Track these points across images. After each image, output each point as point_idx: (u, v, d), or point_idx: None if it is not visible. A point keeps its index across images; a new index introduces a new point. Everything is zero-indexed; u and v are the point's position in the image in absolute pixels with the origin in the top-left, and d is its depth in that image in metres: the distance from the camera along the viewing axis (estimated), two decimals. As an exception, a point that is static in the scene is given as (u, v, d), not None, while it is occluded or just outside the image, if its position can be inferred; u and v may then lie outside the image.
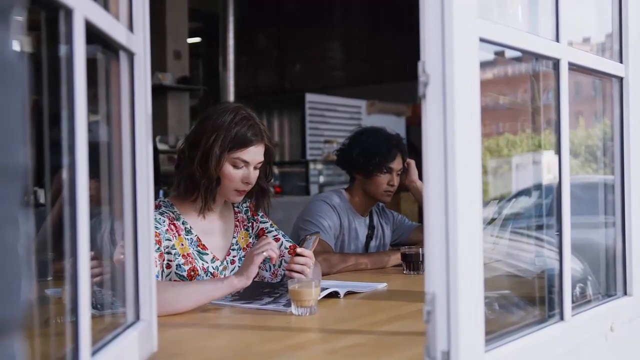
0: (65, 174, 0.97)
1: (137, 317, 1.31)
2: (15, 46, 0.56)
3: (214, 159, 2.05)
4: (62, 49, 0.97)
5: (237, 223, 2.27)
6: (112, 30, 1.16)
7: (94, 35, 1.06)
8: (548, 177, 1.78)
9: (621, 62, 1.73)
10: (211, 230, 2.18)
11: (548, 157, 1.74)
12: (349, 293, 2.10)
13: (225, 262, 2.17)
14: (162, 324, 1.47)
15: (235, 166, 2.08)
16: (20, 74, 0.54)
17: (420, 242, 2.91)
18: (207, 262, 2.11)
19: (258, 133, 2.09)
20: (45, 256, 1.57)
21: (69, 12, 0.95)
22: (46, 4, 0.93)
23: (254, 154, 2.09)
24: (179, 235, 2.09)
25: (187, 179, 2.10)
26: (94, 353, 1.03)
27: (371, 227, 3.05)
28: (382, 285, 2.27)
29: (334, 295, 2.04)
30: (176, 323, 1.74)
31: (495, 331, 1.26)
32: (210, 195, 2.10)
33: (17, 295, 0.55)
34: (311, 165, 7.30)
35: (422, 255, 2.57)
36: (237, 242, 2.24)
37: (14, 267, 0.54)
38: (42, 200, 2.37)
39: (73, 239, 0.96)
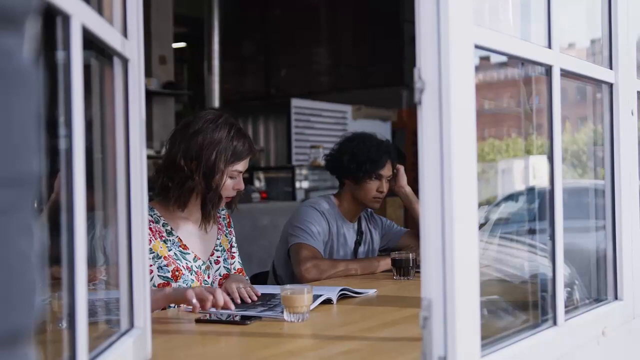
0: (61, 180, 0.96)
1: (132, 325, 1.30)
2: (29, 54, 0.55)
3: (219, 173, 2.15)
4: (59, 55, 0.96)
5: (220, 226, 2.36)
6: (108, 36, 1.15)
7: (89, 40, 1.05)
8: (535, 182, 1.79)
9: (611, 68, 1.75)
10: (194, 232, 2.25)
11: (534, 162, 1.75)
12: (342, 296, 2.10)
13: (208, 262, 2.25)
14: (157, 332, 1.46)
15: (231, 177, 2.21)
16: (35, 82, 0.54)
17: (409, 247, 2.91)
18: (189, 262, 2.18)
19: (251, 145, 2.24)
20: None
21: (66, 19, 0.95)
22: (43, 9, 0.92)
23: (247, 163, 2.24)
24: (160, 237, 2.15)
25: (187, 192, 2.16)
26: (90, 361, 1.03)
27: (360, 233, 3.05)
28: (372, 292, 2.27)
29: (326, 301, 2.03)
30: (170, 330, 1.74)
31: (490, 336, 1.26)
32: (216, 207, 2.20)
33: (32, 303, 0.55)
34: (297, 171, 7.27)
35: (412, 260, 2.57)
36: (220, 243, 2.32)
37: (29, 275, 0.54)
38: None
39: (70, 246, 0.96)
